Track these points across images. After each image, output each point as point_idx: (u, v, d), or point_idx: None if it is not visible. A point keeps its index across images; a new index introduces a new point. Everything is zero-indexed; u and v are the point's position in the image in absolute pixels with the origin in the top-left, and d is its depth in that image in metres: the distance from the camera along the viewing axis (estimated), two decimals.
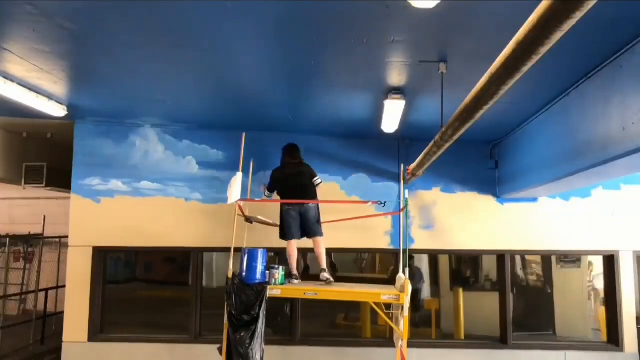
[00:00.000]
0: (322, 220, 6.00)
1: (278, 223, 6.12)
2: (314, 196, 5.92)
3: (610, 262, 6.92)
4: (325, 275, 5.73)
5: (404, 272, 5.57)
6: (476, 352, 6.80)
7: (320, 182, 6.09)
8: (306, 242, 6.04)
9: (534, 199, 6.92)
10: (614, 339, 6.77)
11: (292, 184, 5.94)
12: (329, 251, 6.15)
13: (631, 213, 6.89)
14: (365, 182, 7.01)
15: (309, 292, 5.47)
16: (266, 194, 6.17)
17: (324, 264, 5.84)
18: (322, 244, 5.89)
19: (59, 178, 8.03)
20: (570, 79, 4.45)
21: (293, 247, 5.90)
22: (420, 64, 4.20)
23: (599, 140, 4.03)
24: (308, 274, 6.97)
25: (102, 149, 7.07)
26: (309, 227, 5.86)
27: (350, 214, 6.39)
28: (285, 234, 5.89)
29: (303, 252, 6.05)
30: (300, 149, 6.24)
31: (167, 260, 7.70)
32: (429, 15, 3.12)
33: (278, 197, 6.04)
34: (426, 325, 7.29)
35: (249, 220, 6.00)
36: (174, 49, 4.18)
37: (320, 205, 5.99)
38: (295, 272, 5.86)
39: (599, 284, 7.18)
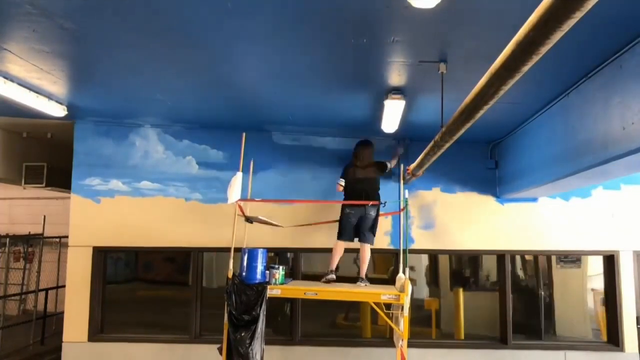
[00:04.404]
0: (321, 220, 5.98)
1: (278, 223, 6.13)
2: (376, 201, 6.04)
3: (610, 262, 6.92)
4: (361, 284, 5.85)
5: (404, 272, 5.58)
6: (476, 352, 6.79)
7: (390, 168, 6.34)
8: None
9: (534, 199, 6.91)
10: (614, 339, 6.76)
11: (358, 189, 6.07)
12: (328, 251, 6.16)
13: (631, 213, 6.88)
14: None
15: (309, 292, 5.48)
16: (340, 189, 6.26)
17: (363, 272, 5.99)
18: (368, 252, 6.04)
19: (59, 178, 8.04)
20: (570, 79, 4.44)
21: (340, 246, 6.04)
22: (420, 64, 4.20)
23: (599, 140, 4.02)
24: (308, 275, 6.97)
25: (102, 149, 7.07)
26: (361, 232, 6.03)
27: None
28: (339, 234, 6.06)
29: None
30: (372, 147, 6.30)
31: (167, 260, 7.69)
32: (429, 15, 3.12)
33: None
34: (426, 325, 7.28)
35: (249, 220, 6.00)
36: (174, 48, 4.18)
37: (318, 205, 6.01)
38: (332, 267, 5.93)
39: (598, 283, 7.17)
